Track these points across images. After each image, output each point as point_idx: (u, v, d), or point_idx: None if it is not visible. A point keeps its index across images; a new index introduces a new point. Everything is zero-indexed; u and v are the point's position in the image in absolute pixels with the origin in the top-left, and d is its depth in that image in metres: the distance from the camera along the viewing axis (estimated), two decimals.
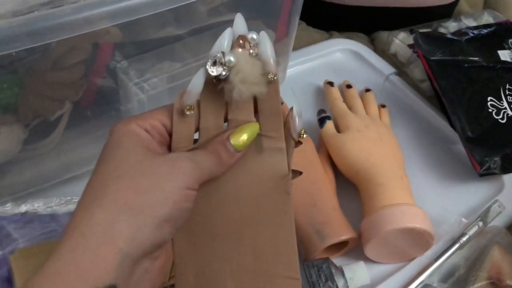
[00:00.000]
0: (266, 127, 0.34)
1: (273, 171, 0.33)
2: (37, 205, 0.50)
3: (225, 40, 0.33)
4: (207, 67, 0.32)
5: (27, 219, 0.48)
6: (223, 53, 0.31)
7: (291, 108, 0.34)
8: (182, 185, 0.30)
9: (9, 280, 0.44)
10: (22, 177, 0.53)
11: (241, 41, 0.33)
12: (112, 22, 0.42)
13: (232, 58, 0.31)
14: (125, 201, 0.28)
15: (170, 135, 0.33)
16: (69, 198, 0.52)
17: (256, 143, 0.33)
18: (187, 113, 0.32)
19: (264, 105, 0.34)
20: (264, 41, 0.34)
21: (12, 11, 0.39)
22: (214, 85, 0.32)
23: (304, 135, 0.34)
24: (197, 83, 0.32)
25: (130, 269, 0.28)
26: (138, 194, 0.28)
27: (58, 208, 0.50)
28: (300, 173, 0.36)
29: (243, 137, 0.32)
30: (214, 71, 0.31)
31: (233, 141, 0.32)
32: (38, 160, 0.53)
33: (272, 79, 0.33)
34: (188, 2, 0.45)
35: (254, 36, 0.33)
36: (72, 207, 0.51)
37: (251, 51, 0.33)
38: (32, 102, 0.49)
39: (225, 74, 0.31)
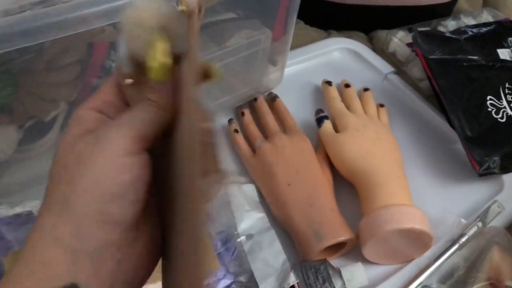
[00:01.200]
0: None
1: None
2: (31, 207, 0.50)
3: None
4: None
5: (21, 221, 0.48)
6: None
7: None
8: (112, 156, 0.26)
9: None
10: (17, 178, 0.52)
11: None
12: (107, 21, 0.41)
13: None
14: (60, 196, 0.26)
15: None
16: None
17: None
18: (127, 82, 0.29)
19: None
20: None
21: (4, 10, 0.38)
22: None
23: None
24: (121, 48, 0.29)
25: (91, 264, 0.26)
26: (69, 184, 0.26)
27: None
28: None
29: (156, 63, 0.28)
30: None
31: (152, 75, 0.28)
32: (33, 161, 0.53)
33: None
34: None
35: None
36: None
37: None
38: (27, 102, 0.48)
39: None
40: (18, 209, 0.49)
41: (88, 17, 0.40)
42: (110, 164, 0.26)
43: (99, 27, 0.43)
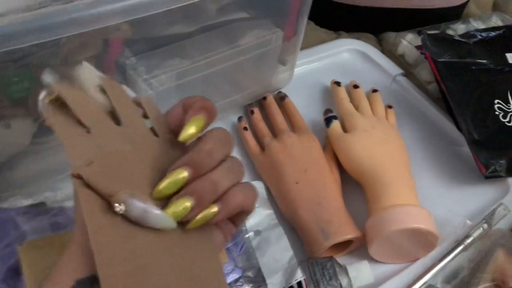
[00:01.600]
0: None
1: None
2: (46, 198, 0.51)
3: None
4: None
5: (35, 211, 0.49)
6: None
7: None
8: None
9: (17, 270, 0.44)
10: (31, 170, 0.53)
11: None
12: (123, 19, 0.42)
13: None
14: None
15: None
16: None
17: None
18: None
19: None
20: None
21: (26, 5, 0.39)
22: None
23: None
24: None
25: None
26: None
27: (66, 202, 0.51)
28: None
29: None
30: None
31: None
32: (47, 154, 0.54)
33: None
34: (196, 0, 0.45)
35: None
36: None
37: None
38: None
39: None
40: (32, 200, 0.50)
41: (105, 15, 0.41)
42: None
43: (115, 25, 0.44)
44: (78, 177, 0.27)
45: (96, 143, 0.29)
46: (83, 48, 0.47)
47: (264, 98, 0.67)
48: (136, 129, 0.32)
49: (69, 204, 0.51)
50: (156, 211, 0.27)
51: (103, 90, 0.32)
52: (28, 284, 0.42)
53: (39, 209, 0.50)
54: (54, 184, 0.54)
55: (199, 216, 0.28)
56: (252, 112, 0.66)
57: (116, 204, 0.27)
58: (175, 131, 0.32)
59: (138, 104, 0.34)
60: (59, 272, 0.28)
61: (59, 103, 0.31)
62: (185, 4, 0.45)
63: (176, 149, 0.32)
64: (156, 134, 0.33)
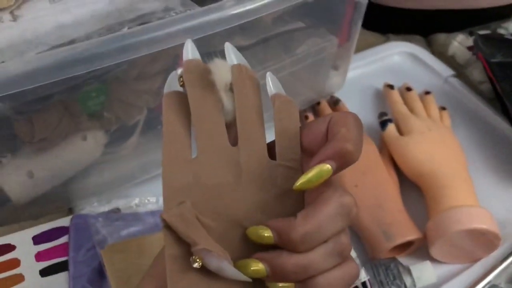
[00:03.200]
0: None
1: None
2: (120, 205, 0.54)
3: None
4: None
5: (113, 217, 0.52)
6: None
7: None
8: None
9: (100, 272, 0.48)
10: (105, 178, 0.57)
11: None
12: (192, 37, 0.45)
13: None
14: None
15: None
16: (147, 200, 0.56)
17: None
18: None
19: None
20: (270, 76, 0.32)
21: (106, 27, 0.43)
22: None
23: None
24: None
25: None
26: None
27: (139, 208, 0.54)
28: None
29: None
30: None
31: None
32: (118, 163, 0.57)
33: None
34: (260, 15, 0.47)
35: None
36: (150, 206, 0.55)
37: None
38: (116, 108, 0.52)
39: None
40: (108, 207, 0.54)
41: (174, 34, 0.44)
42: None
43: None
44: (164, 220, 0.27)
45: (195, 171, 0.28)
46: (155, 63, 0.50)
47: (318, 103, 0.69)
48: (250, 151, 0.29)
49: (142, 209, 0.54)
50: (231, 270, 0.26)
51: (232, 89, 0.30)
52: (112, 285, 0.46)
53: (115, 215, 0.53)
54: (127, 191, 0.57)
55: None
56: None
57: (193, 258, 0.26)
58: (307, 151, 0.28)
59: (272, 101, 0.30)
60: None
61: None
62: (243, 22, 0.47)
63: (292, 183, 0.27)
64: (274, 154, 0.29)
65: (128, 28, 0.43)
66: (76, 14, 0.41)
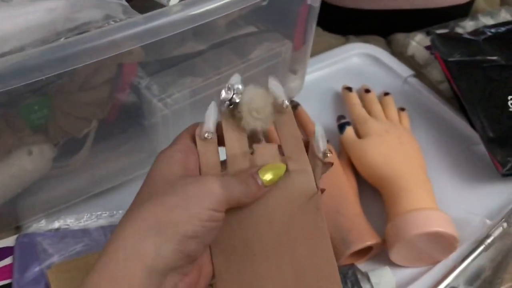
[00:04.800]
0: (288, 151, 0.36)
1: (301, 191, 0.35)
2: (69, 221, 0.52)
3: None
4: (221, 94, 0.36)
5: (61, 234, 0.50)
6: (232, 84, 0.36)
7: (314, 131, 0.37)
8: (209, 206, 0.31)
9: None
10: (54, 193, 0.55)
11: (228, 87, 0.37)
12: (135, 44, 0.43)
13: (240, 86, 0.36)
14: (153, 218, 0.30)
15: None
16: (99, 213, 0.54)
17: None
18: (206, 136, 0.35)
19: (283, 131, 0.37)
20: (272, 81, 0.38)
21: (43, 38, 0.41)
22: (233, 114, 0.36)
23: (329, 154, 0.35)
24: (211, 110, 0.36)
25: (158, 282, 0.30)
26: (165, 211, 0.31)
27: (89, 223, 0.52)
28: (323, 190, 0.37)
29: (270, 176, 0.34)
30: (225, 96, 0.36)
31: (262, 176, 0.34)
32: (68, 177, 0.55)
33: (285, 107, 0.36)
34: (208, 20, 0.46)
35: (239, 87, 0.37)
36: (102, 221, 0.53)
37: (233, 96, 0.37)
38: (61, 121, 0.50)
39: (234, 98, 0.36)
40: (57, 224, 0.52)
41: (118, 42, 0.42)
42: (205, 211, 0.31)
43: (128, 49, 0.45)
44: None
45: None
46: (99, 73, 0.48)
47: None
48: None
49: (93, 225, 0.52)
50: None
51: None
52: None
53: (64, 232, 0.51)
54: (77, 207, 0.55)
55: None
56: None
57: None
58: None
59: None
60: None
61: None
62: (197, 25, 0.46)
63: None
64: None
65: (66, 39, 0.41)
66: (7, 26, 0.39)
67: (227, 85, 0.36)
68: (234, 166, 0.35)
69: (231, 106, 0.36)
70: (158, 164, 0.34)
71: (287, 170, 0.35)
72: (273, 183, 0.35)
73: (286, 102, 0.37)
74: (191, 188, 0.32)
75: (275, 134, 0.38)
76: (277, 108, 0.37)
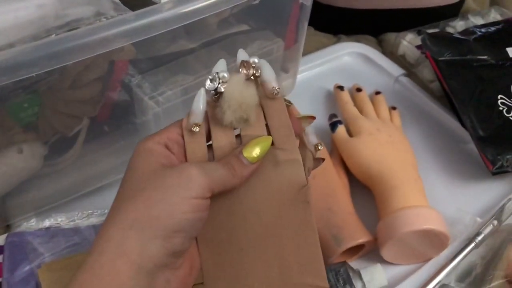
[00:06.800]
0: (278, 140, 0.35)
1: (290, 182, 0.34)
2: (60, 220, 0.52)
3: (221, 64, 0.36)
4: (206, 84, 0.35)
5: (51, 233, 0.50)
6: (217, 72, 0.35)
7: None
8: (190, 194, 0.30)
9: None
10: (44, 192, 0.54)
11: (244, 64, 0.36)
12: (126, 42, 0.43)
13: (225, 74, 0.34)
14: (135, 216, 0.30)
15: None
16: (90, 211, 0.53)
17: (271, 156, 0.34)
18: (194, 129, 0.34)
19: (273, 120, 0.35)
20: (264, 64, 0.36)
21: (32, 35, 0.40)
22: (219, 104, 0.35)
23: (320, 147, 0.35)
24: (198, 102, 0.34)
25: (147, 279, 0.29)
26: (147, 208, 0.30)
27: (80, 222, 0.52)
28: (323, 160, 0.37)
29: (255, 151, 0.33)
30: (209, 86, 0.34)
31: (246, 154, 0.33)
32: (58, 175, 0.55)
33: (276, 94, 0.35)
34: (199, 18, 0.46)
35: (256, 60, 0.36)
36: (93, 220, 0.53)
37: (253, 71, 0.35)
38: (52, 119, 0.50)
39: (219, 88, 0.34)
40: (47, 222, 0.51)
41: (108, 39, 0.42)
42: (186, 202, 0.30)
43: (119, 47, 0.45)
44: None
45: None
46: (89, 70, 0.48)
47: None
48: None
49: (83, 224, 0.52)
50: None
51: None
52: None
53: (54, 230, 0.51)
54: (67, 205, 0.55)
55: None
56: None
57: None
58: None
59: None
60: None
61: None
62: (188, 23, 0.46)
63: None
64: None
65: (56, 35, 0.40)
66: None
67: (212, 73, 0.35)
68: (220, 157, 0.34)
69: (217, 96, 0.34)
70: (137, 157, 0.33)
71: (276, 159, 0.34)
72: (259, 159, 0.33)
73: (277, 89, 0.35)
74: (170, 179, 0.31)
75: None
76: (267, 94, 0.35)
